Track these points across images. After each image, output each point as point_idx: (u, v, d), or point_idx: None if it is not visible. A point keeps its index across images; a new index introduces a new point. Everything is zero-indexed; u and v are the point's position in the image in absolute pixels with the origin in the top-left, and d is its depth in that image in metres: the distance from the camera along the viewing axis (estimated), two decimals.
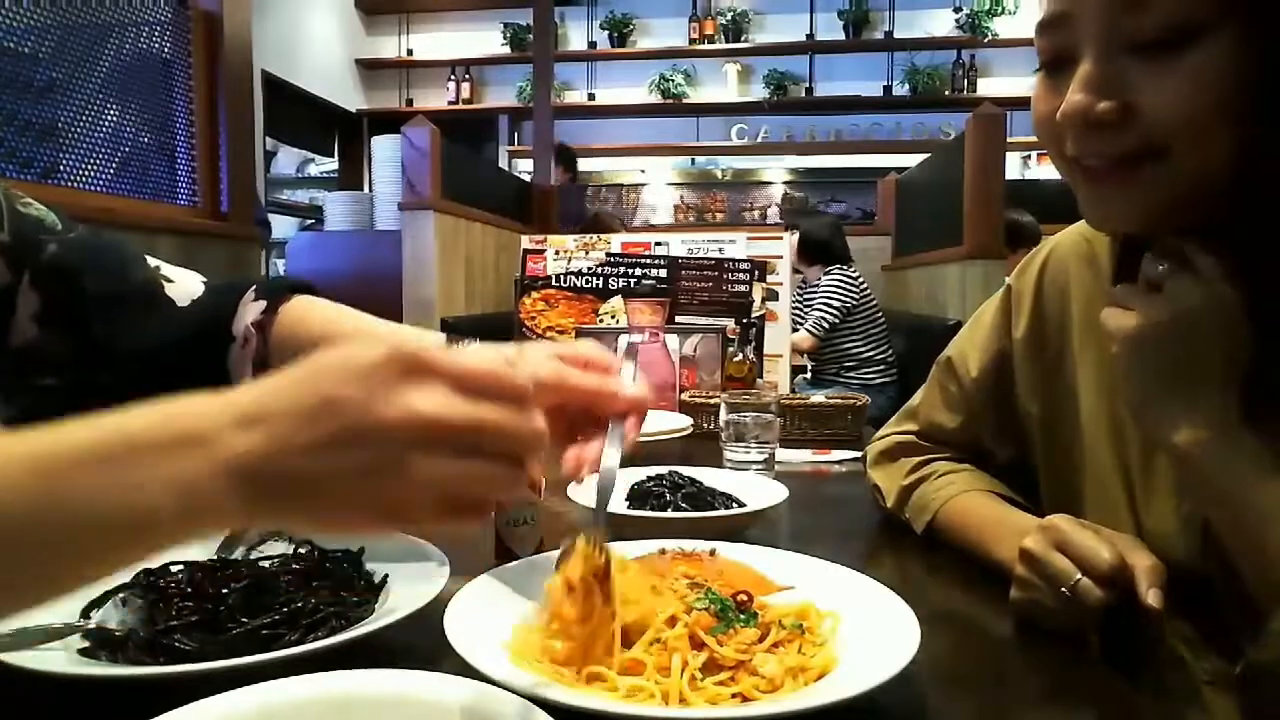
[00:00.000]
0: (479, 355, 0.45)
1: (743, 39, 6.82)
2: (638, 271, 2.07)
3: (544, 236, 2.18)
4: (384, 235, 3.43)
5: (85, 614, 0.67)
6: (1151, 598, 0.65)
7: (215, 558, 0.78)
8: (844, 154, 6.94)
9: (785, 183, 7.22)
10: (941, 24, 6.56)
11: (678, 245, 2.22)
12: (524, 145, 6.90)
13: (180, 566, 0.73)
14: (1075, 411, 0.85)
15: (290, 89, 6.25)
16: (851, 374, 3.81)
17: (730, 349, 1.90)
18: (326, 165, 7.23)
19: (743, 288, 2.04)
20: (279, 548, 0.82)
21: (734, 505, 1.03)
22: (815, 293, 3.89)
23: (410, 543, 0.82)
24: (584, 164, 5.94)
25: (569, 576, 0.59)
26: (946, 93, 6.62)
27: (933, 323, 3.23)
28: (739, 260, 2.08)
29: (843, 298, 3.80)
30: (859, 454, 1.39)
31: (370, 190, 4.59)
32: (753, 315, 2.02)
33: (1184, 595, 0.68)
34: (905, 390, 3.45)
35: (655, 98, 7.05)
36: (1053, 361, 0.88)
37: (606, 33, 6.96)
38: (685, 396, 1.74)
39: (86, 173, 2.17)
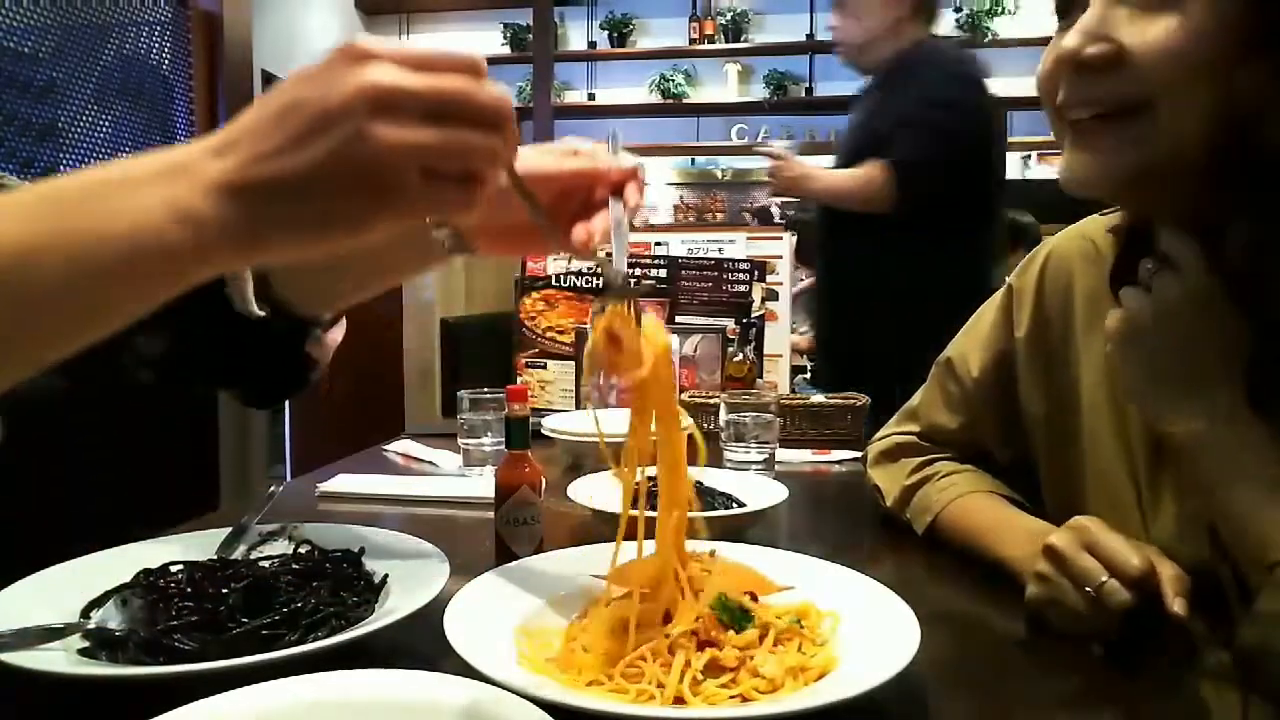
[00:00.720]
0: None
1: (743, 39, 6.81)
2: (638, 271, 2.07)
3: None
4: None
5: (85, 614, 0.67)
6: (1178, 606, 0.65)
7: (215, 558, 0.78)
8: None
9: None
10: (942, 24, 6.56)
11: (677, 245, 2.22)
12: (524, 145, 6.89)
13: (180, 567, 0.73)
14: (1078, 409, 0.85)
15: None
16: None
17: (730, 349, 1.90)
18: None
19: (743, 288, 2.04)
20: (279, 548, 0.82)
21: (734, 505, 1.03)
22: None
23: (410, 543, 0.82)
24: None
25: (609, 326, 0.61)
26: None
27: None
28: (739, 260, 2.07)
29: None
30: (859, 454, 1.39)
31: None
32: (753, 315, 2.02)
33: (1194, 591, 0.68)
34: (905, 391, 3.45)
35: (655, 98, 7.04)
36: (1055, 360, 0.88)
37: (606, 33, 6.95)
38: (685, 396, 1.74)
39: None
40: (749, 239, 2.23)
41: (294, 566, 0.74)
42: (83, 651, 0.63)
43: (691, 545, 0.78)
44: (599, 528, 1.01)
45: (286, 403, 3.56)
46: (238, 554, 0.81)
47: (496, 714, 0.50)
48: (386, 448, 1.54)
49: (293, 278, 0.72)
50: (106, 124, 2.23)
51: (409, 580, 0.73)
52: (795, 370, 3.58)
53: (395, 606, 0.68)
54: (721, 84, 7.02)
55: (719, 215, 7.07)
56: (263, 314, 0.70)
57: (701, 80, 7.06)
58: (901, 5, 2.27)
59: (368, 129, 0.42)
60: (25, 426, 1.14)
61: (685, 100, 7.02)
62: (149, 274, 0.44)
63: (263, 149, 0.43)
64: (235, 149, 0.43)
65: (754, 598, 0.66)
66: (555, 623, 0.68)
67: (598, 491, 1.05)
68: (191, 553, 0.77)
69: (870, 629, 0.64)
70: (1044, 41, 0.76)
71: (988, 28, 6.39)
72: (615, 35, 6.97)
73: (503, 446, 0.94)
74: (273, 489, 1.01)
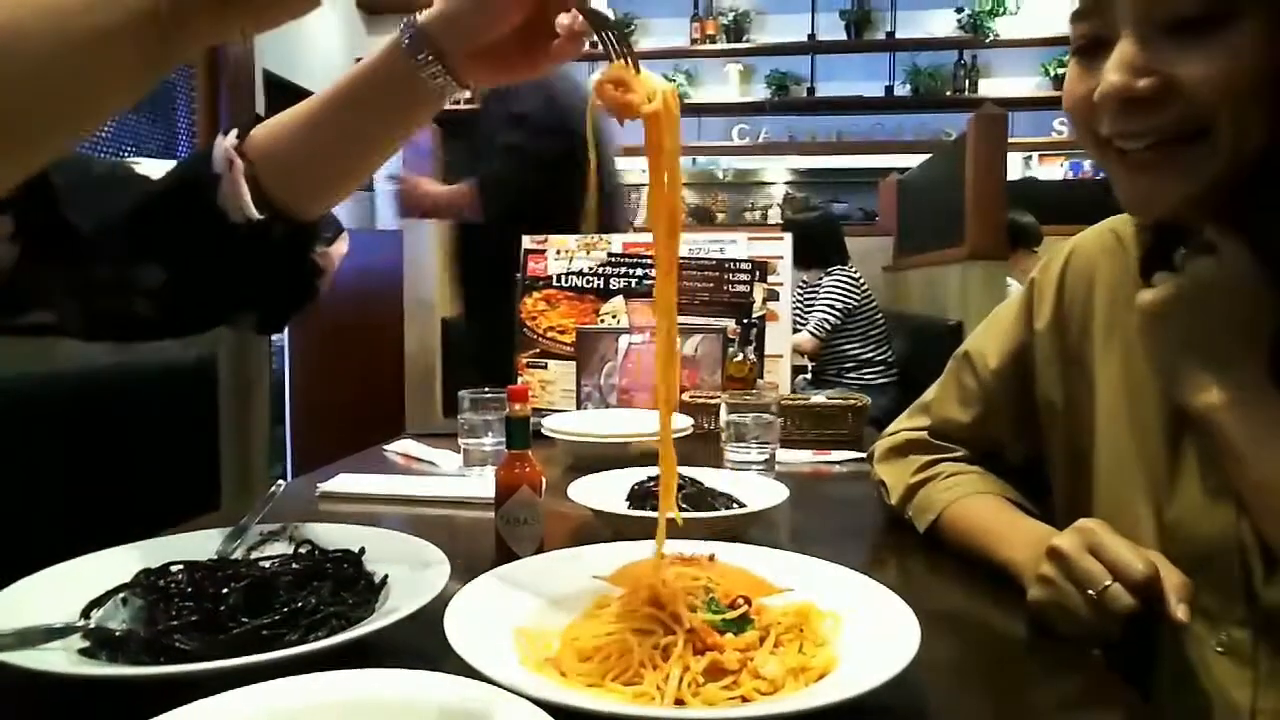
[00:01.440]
0: None
1: (744, 39, 6.81)
2: (639, 271, 2.07)
3: (545, 236, 2.18)
4: (385, 235, 3.43)
5: (85, 614, 0.67)
6: (1181, 612, 0.65)
7: (215, 558, 0.78)
8: (845, 154, 6.93)
9: (787, 183, 7.21)
10: (943, 24, 6.55)
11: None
12: None
13: (180, 566, 0.73)
14: (1094, 401, 0.86)
15: (292, 88, 6.23)
16: (852, 375, 3.81)
17: (731, 349, 1.90)
18: None
19: (743, 288, 2.04)
20: (279, 548, 0.82)
21: (734, 506, 1.03)
22: (816, 294, 3.89)
23: (410, 543, 0.82)
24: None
25: (612, 76, 0.63)
26: (948, 93, 6.61)
27: (934, 323, 3.23)
28: (740, 260, 2.07)
29: (844, 299, 3.79)
30: (859, 454, 1.39)
31: (371, 190, 4.59)
32: (753, 315, 2.02)
33: (1208, 571, 0.70)
34: (905, 391, 3.45)
35: None
36: (1074, 350, 0.89)
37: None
38: (686, 397, 1.74)
39: None
40: (750, 239, 2.23)
41: (294, 566, 0.74)
42: (83, 651, 0.63)
43: (691, 547, 0.79)
44: (599, 528, 1.01)
45: (287, 404, 3.57)
46: (238, 554, 0.81)
47: (496, 714, 0.50)
48: (387, 448, 1.54)
49: (285, 171, 0.71)
50: (108, 124, 2.23)
51: (409, 580, 0.73)
52: (796, 371, 3.59)
53: (395, 606, 0.68)
54: (723, 84, 7.02)
55: (720, 215, 7.07)
56: (261, 216, 0.69)
57: (703, 80, 7.06)
58: None
59: None
60: (25, 426, 1.14)
61: (686, 100, 7.01)
62: (134, 38, 0.44)
63: None
64: None
65: (748, 601, 0.66)
66: (555, 623, 0.68)
67: (598, 491, 1.05)
68: (191, 553, 0.77)
69: (870, 629, 0.64)
70: (1044, 42, 0.77)
71: (989, 28, 6.39)
72: (616, 36, 6.95)
73: (503, 446, 0.94)
74: (273, 489, 1.01)
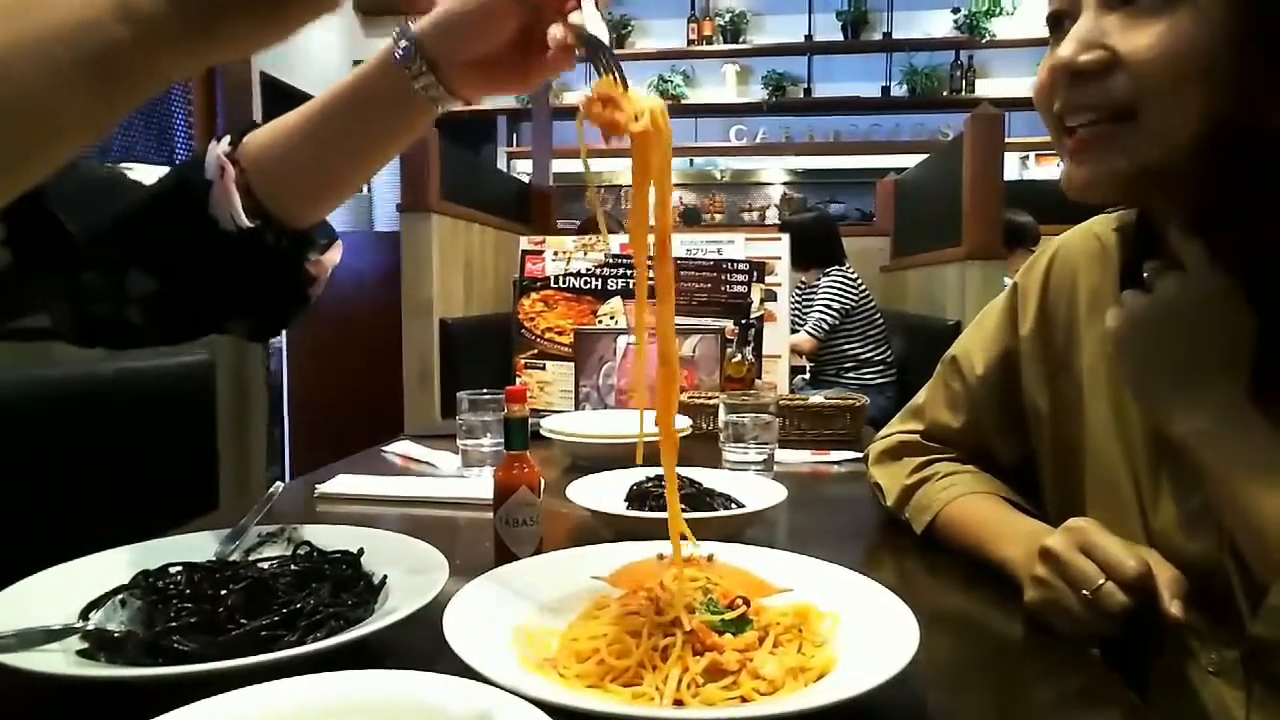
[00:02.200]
0: None
1: (741, 40, 6.82)
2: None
3: (543, 237, 2.18)
4: (383, 236, 3.44)
5: (84, 615, 0.67)
6: (1175, 608, 0.65)
7: (214, 559, 0.78)
8: (842, 155, 6.93)
9: (784, 184, 7.21)
10: (940, 25, 6.56)
11: (676, 246, 2.21)
12: (523, 146, 6.89)
13: (179, 568, 0.73)
14: (1082, 408, 0.85)
15: (289, 90, 6.23)
16: (850, 375, 3.81)
17: (729, 350, 1.90)
18: None
19: (741, 288, 2.04)
20: (278, 549, 0.82)
21: (733, 506, 1.03)
22: (814, 294, 3.89)
23: (409, 544, 0.82)
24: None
25: (600, 93, 0.61)
26: (945, 93, 6.62)
27: (932, 323, 3.23)
28: (737, 261, 2.08)
29: (842, 299, 3.80)
30: (858, 455, 1.39)
31: (369, 191, 4.59)
32: (751, 316, 2.02)
33: (1193, 589, 0.68)
34: (904, 391, 3.45)
35: None
36: (1059, 357, 0.89)
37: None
38: (684, 397, 1.74)
39: None
40: (747, 240, 2.23)
41: (293, 568, 0.74)
42: (82, 653, 0.63)
43: (691, 548, 0.79)
44: (598, 528, 1.01)
45: (285, 405, 3.57)
46: (237, 555, 0.81)
47: (495, 715, 0.50)
48: (385, 449, 1.54)
49: (278, 179, 0.70)
50: None
51: (408, 581, 0.73)
52: (794, 371, 3.59)
53: (394, 607, 0.68)
54: (720, 85, 7.02)
55: (717, 216, 7.07)
56: (252, 225, 0.68)
57: (700, 81, 7.06)
58: None
59: None
60: (25, 427, 1.14)
61: (684, 101, 7.02)
62: (107, 72, 0.44)
63: None
64: None
65: (747, 602, 0.66)
66: (555, 623, 0.68)
67: (596, 492, 1.05)
68: (191, 553, 0.77)
69: (870, 629, 0.64)
70: (1043, 42, 0.76)
71: (986, 28, 6.40)
72: (614, 36, 6.96)
73: (502, 447, 0.94)
74: (271, 490, 1.01)
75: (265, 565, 0.75)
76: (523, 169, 6.52)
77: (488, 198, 3.69)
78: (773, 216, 6.82)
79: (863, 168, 6.64)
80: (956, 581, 0.87)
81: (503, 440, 0.90)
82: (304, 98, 0.70)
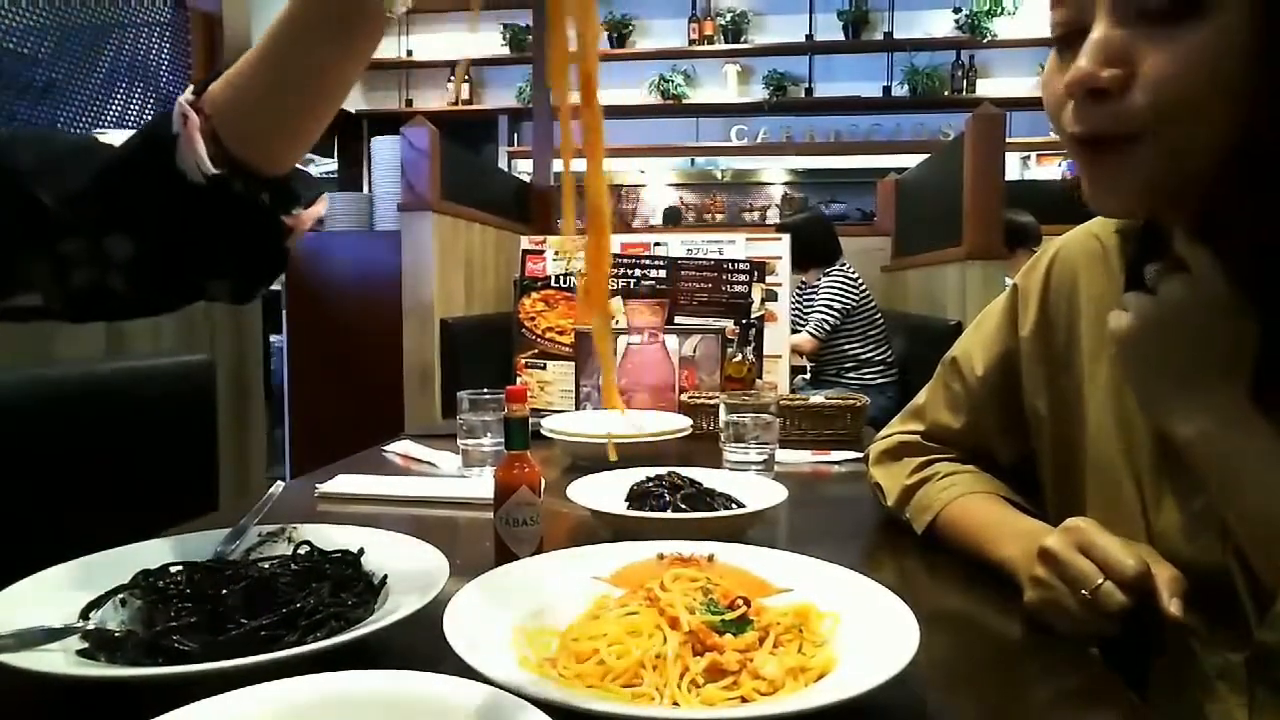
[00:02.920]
0: None
1: (742, 40, 6.81)
2: (637, 272, 2.07)
3: (543, 237, 2.18)
4: (383, 236, 3.43)
5: (84, 615, 0.67)
6: (1174, 607, 0.65)
7: (214, 558, 0.78)
8: (843, 155, 6.93)
9: (785, 184, 7.21)
10: (941, 24, 6.56)
11: (677, 246, 2.22)
12: (524, 146, 6.89)
13: (179, 567, 0.73)
14: (1082, 409, 0.85)
15: None
16: (851, 375, 3.81)
17: (729, 350, 1.90)
18: (325, 166, 7.22)
19: (742, 288, 2.04)
20: (278, 548, 0.82)
21: (733, 506, 1.03)
22: (815, 294, 3.89)
23: (410, 543, 0.82)
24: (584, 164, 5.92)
25: None
26: (946, 93, 6.62)
27: (932, 323, 3.23)
28: (738, 261, 2.07)
29: (843, 299, 3.80)
30: (858, 455, 1.39)
31: (369, 191, 4.58)
32: (752, 316, 2.02)
33: (1196, 592, 0.68)
34: (905, 391, 3.45)
35: (655, 98, 7.05)
36: (1060, 359, 0.88)
37: (606, 33, 6.95)
38: (685, 397, 1.74)
39: None
40: (748, 239, 2.23)
41: (293, 567, 0.74)
42: (82, 652, 0.63)
43: (690, 547, 0.79)
44: (598, 528, 1.01)
45: (285, 405, 3.56)
46: (237, 555, 0.81)
47: (496, 715, 0.50)
48: (386, 448, 1.54)
49: (242, 120, 0.68)
50: (106, 124, 2.23)
51: (409, 581, 0.73)
52: (795, 371, 3.59)
53: (395, 607, 0.68)
54: (721, 85, 7.03)
55: (718, 216, 7.08)
56: (218, 171, 0.67)
57: (701, 81, 7.06)
58: None
59: None
60: (25, 427, 1.14)
61: (685, 101, 7.02)
62: None
63: None
64: None
65: (747, 602, 0.66)
66: (555, 623, 0.68)
67: (597, 491, 1.05)
68: (191, 553, 0.77)
69: (870, 629, 0.64)
70: (1042, 42, 0.76)
71: (987, 28, 6.40)
72: (615, 36, 6.96)
73: (502, 447, 0.94)
74: (272, 490, 1.01)
75: (265, 565, 0.75)
76: (524, 168, 6.52)
77: (488, 197, 3.69)
78: (774, 216, 6.83)
79: (863, 168, 6.64)
80: (956, 581, 0.87)
81: (503, 440, 0.90)
82: None
